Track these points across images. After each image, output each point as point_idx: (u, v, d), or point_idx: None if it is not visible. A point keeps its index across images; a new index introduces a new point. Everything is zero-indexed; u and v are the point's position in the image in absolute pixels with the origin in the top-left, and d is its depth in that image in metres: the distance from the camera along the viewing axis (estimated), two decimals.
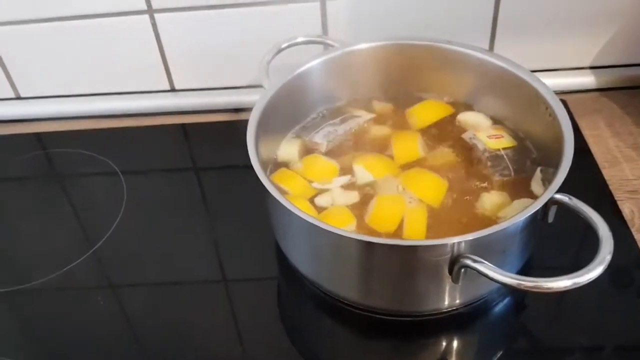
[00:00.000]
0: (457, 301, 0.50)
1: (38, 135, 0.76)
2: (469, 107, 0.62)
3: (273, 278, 0.57)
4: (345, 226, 0.51)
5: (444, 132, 0.60)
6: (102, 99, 0.78)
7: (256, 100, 0.55)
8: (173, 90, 0.77)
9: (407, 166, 0.57)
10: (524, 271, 0.51)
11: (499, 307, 0.53)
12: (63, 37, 0.72)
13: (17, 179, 0.71)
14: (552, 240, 0.54)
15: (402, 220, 0.51)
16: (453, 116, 0.62)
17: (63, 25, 0.71)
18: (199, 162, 0.71)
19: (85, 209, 0.66)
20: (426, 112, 0.62)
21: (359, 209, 0.53)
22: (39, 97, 0.79)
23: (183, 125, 0.75)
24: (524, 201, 0.52)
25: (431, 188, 0.54)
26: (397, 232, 0.51)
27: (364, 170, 0.55)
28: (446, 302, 0.49)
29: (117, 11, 0.70)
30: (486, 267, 0.42)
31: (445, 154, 0.58)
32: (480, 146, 0.58)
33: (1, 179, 0.71)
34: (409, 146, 0.58)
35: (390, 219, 0.51)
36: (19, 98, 0.79)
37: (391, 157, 0.57)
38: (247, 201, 0.61)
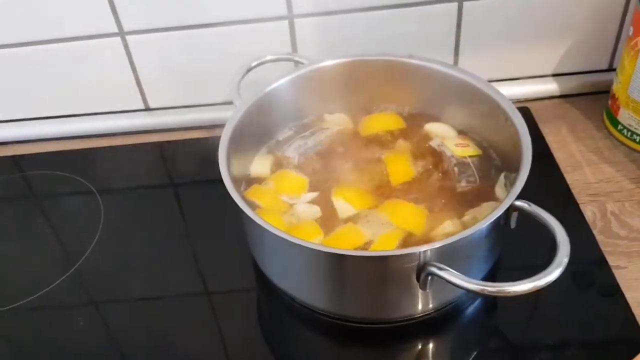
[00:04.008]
0: (429, 306, 0.51)
1: (14, 158, 0.77)
2: (434, 119, 0.64)
3: (252, 290, 0.59)
4: (313, 239, 0.52)
5: (412, 142, 0.62)
6: (77, 120, 0.78)
7: (229, 117, 0.56)
8: (147, 109, 0.78)
9: (403, 186, 0.58)
10: (491, 275, 0.53)
11: (470, 310, 0.55)
12: (37, 61, 0.73)
13: None
14: (520, 242, 0.55)
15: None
16: (420, 127, 0.64)
17: (36, 49, 0.72)
18: (175, 178, 0.72)
19: (63, 229, 0.67)
20: (374, 123, 0.64)
21: (324, 223, 0.54)
22: (14, 120, 0.79)
23: (158, 144, 0.76)
24: (492, 204, 0.55)
25: (412, 217, 0.54)
26: None
27: (344, 202, 0.55)
28: (418, 308, 0.51)
29: (90, 34, 0.71)
30: (450, 274, 0.44)
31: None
32: (448, 153, 0.60)
33: None
34: (403, 167, 0.59)
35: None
36: None
37: (364, 182, 0.58)
38: (224, 215, 0.61)
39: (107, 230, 0.65)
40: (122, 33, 0.71)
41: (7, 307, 0.58)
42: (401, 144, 0.62)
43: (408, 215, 0.54)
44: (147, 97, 0.77)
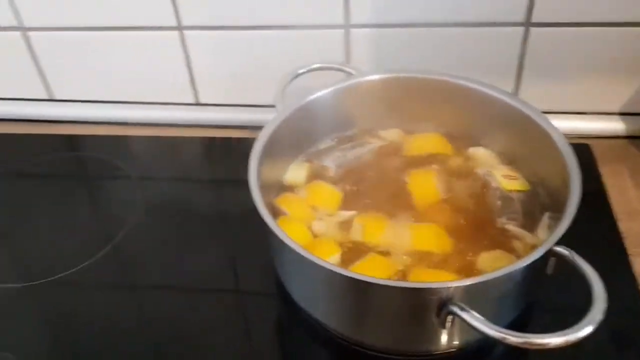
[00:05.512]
0: (452, 343, 0.48)
1: (67, 137, 0.79)
2: (481, 144, 0.61)
3: (272, 295, 0.58)
4: (329, 257, 0.50)
5: (455, 166, 0.60)
6: (129, 106, 0.80)
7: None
8: (198, 104, 0.79)
9: (429, 207, 0.55)
10: (522, 320, 0.50)
11: (497, 352, 0.52)
12: (98, 46, 0.75)
13: (44, 177, 0.74)
14: (559, 287, 0.51)
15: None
16: (464, 152, 0.61)
17: (98, 35, 0.74)
18: (216, 175, 0.73)
19: (101, 212, 0.69)
20: (419, 144, 0.62)
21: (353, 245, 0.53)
22: (72, 101, 0.81)
23: (205, 139, 0.77)
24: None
25: (431, 238, 0.53)
26: None
27: (360, 229, 0.54)
28: (436, 345, 0.48)
29: (149, 25, 0.72)
30: (471, 317, 0.41)
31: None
32: (494, 184, 0.57)
33: (29, 176, 0.74)
34: (427, 187, 0.57)
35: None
36: (52, 100, 0.82)
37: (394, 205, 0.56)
38: (259, 218, 0.62)
39: (141, 218, 0.65)
40: (180, 27, 0.71)
41: (39, 282, 0.60)
42: (434, 166, 0.59)
43: (428, 237, 0.52)
44: (198, 92, 0.78)
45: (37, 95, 0.81)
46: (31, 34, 0.75)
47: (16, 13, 0.73)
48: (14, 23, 0.74)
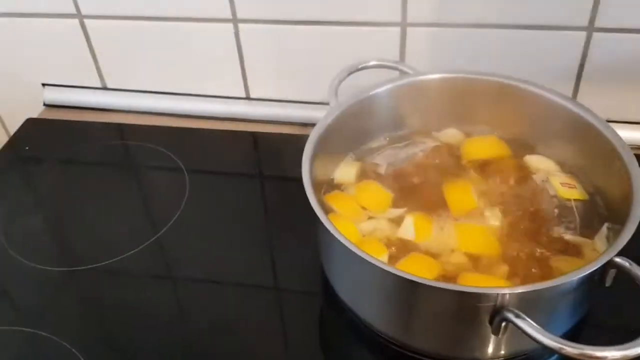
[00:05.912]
0: (499, 352, 0.47)
1: (119, 126, 0.80)
2: (537, 150, 0.60)
3: (316, 295, 0.57)
4: (378, 257, 0.49)
5: (509, 171, 0.58)
6: (180, 98, 0.81)
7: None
8: (248, 98, 0.79)
9: (479, 211, 0.54)
10: (575, 331, 0.48)
11: None
12: (151, 36, 0.76)
13: (94, 164, 0.75)
14: (617, 301, 0.50)
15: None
16: (521, 157, 0.59)
17: (152, 25, 0.75)
18: (263, 170, 0.73)
19: (148, 201, 0.69)
20: (479, 148, 0.60)
21: (399, 243, 0.52)
22: (123, 90, 0.83)
23: (253, 133, 0.77)
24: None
25: (480, 241, 0.52)
26: None
27: (411, 227, 0.53)
28: (486, 353, 0.47)
29: (204, 17, 0.72)
30: (528, 325, 0.40)
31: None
32: (551, 191, 0.55)
33: (81, 162, 0.76)
34: (464, 197, 0.55)
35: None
36: (105, 88, 0.83)
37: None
38: (305, 215, 0.62)
39: (188, 209, 0.66)
40: (235, 20, 0.72)
41: (83, 267, 0.60)
42: (472, 173, 0.58)
43: (477, 239, 0.51)
44: (249, 86, 0.78)
45: (91, 83, 0.83)
46: (88, 21, 0.77)
47: (75, 0, 0.75)
48: (72, 10, 0.76)
